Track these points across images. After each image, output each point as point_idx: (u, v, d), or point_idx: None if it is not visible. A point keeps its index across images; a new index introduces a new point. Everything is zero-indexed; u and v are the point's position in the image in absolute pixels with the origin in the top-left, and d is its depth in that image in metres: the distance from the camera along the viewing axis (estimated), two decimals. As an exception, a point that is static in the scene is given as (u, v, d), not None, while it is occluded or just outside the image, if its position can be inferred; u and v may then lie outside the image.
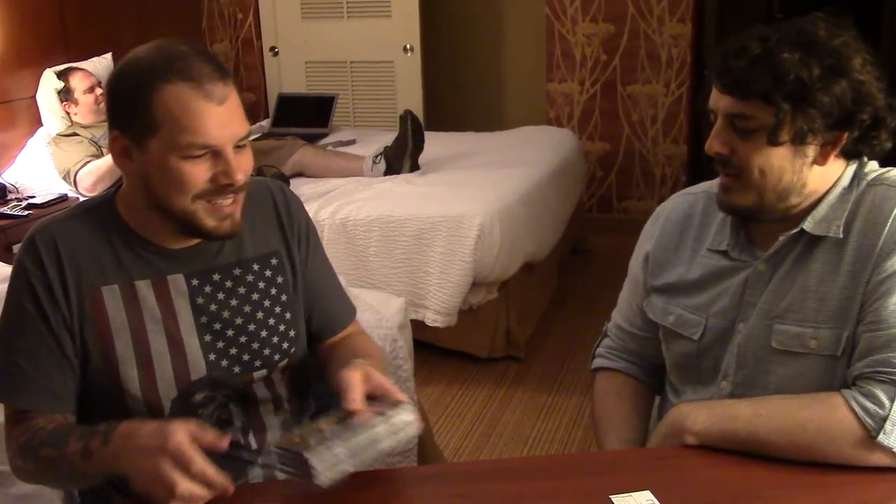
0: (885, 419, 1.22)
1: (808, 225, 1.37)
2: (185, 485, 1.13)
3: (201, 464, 1.14)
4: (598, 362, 1.69)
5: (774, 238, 1.40)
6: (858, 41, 1.32)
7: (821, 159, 1.35)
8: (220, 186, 1.31)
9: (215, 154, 1.29)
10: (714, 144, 1.36)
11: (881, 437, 1.22)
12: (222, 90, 1.28)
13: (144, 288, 1.37)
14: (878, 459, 1.24)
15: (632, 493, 1.20)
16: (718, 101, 1.35)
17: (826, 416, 1.25)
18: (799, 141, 1.31)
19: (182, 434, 1.16)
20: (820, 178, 1.37)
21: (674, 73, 4.86)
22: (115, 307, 1.36)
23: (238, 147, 1.32)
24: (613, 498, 1.19)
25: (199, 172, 1.29)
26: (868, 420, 1.23)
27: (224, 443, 1.18)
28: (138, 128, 1.29)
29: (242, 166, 1.32)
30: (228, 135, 1.29)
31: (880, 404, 1.24)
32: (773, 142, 1.31)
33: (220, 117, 1.27)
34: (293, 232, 1.50)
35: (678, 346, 1.51)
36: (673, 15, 4.79)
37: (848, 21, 1.33)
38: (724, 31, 6.46)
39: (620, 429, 1.55)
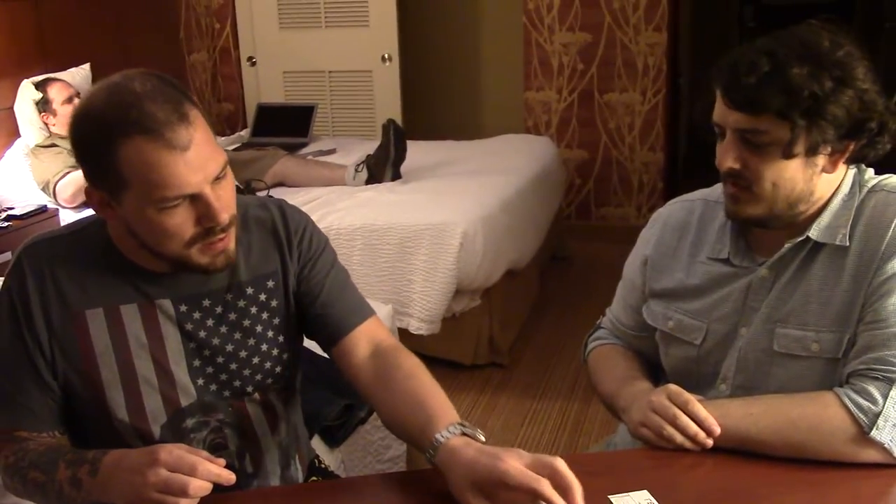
0: (878, 415, 1.25)
1: (813, 233, 1.38)
2: (196, 483, 1.14)
3: (204, 462, 1.16)
4: (592, 346, 1.70)
5: (776, 244, 1.42)
6: (858, 48, 1.33)
7: (829, 167, 1.37)
8: (207, 229, 1.26)
9: (193, 198, 1.24)
10: (726, 160, 1.36)
11: (874, 433, 1.25)
12: (186, 133, 1.20)
13: (130, 312, 1.35)
14: (871, 456, 1.26)
15: (630, 493, 1.22)
16: (727, 116, 1.35)
17: (818, 414, 1.28)
18: (812, 153, 1.33)
19: (172, 446, 1.18)
20: (826, 184, 1.39)
21: (650, 81, 4.90)
22: (98, 331, 1.33)
23: (217, 180, 1.26)
24: (612, 498, 1.21)
25: (181, 221, 1.24)
26: (861, 416, 1.26)
27: (221, 463, 1.18)
28: (109, 184, 1.24)
29: (224, 202, 1.27)
30: (202, 178, 1.23)
31: (873, 401, 1.26)
32: (788, 155, 1.32)
33: (189, 163, 1.21)
34: (291, 249, 1.44)
35: (678, 351, 1.53)
36: (649, 24, 4.83)
37: (845, 28, 1.34)
38: (699, 39, 6.54)
39: (631, 372, 1.55)
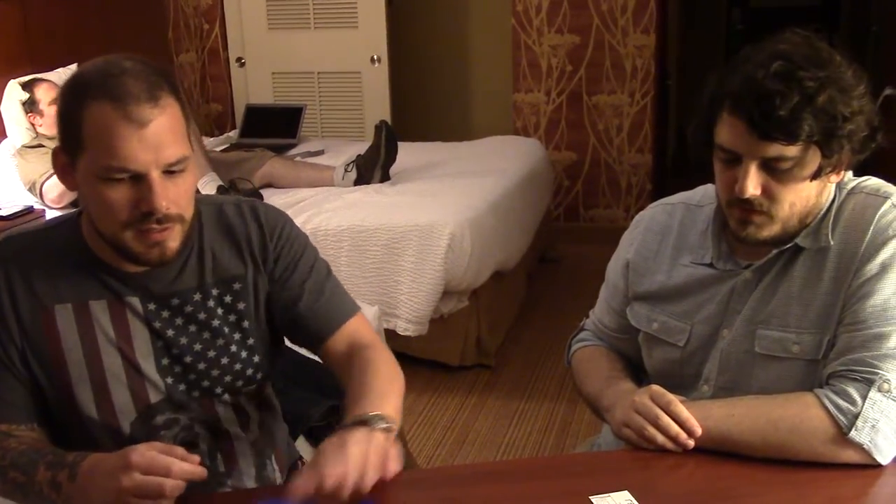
0: (856, 416, 1.26)
1: (800, 240, 1.39)
2: (171, 483, 1.14)
3: (178, 462, 1.15)
4: (575, 347, 1.71)
5: (758, 248, 1.41)
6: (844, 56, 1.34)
7: (835, 177, 1.38)
8: (142, 214, 1.25)
9: (137, 178, 1.24)
10: (747, 188, 1.32)
11: (853, 434, 1.26)
12: (149, 112, 1.22)
13: (99, 309, 1.35)
14: (849, 456, 1.27)
15: (611, 494, 1.22)
16: (752, 146, 1.31)
17: (798, 414, 1.29)
18: (833, 170, 1.34)
19: (146, 447, 1.17)
20: (826, 193, 1.40)
21: (638, 83, 4.91)
22: (66, 326, 1.34)
23: (170, 172, 1.26)
24: (593, 499, 1.21)
25: (120, 197, 1.24)
26: (840, 417, 1.27)
27: (195, 460, 1.18)
28: (71, 145, 1.26)
29: (171, 194, 1.26)
30: (150, 159, 1.23)
31: (852, 402, 1.27)
32: (816, 177, 1.33)
33: (142, 141, 1.22)
34: (266, 252, 1.43)
35: (662, 353, 1.53)
36: (637, 26, 4.85)
37: (829, 37, 1.35)
38: (687, 41, 6.57)
39: (615, 372, 1.56)
